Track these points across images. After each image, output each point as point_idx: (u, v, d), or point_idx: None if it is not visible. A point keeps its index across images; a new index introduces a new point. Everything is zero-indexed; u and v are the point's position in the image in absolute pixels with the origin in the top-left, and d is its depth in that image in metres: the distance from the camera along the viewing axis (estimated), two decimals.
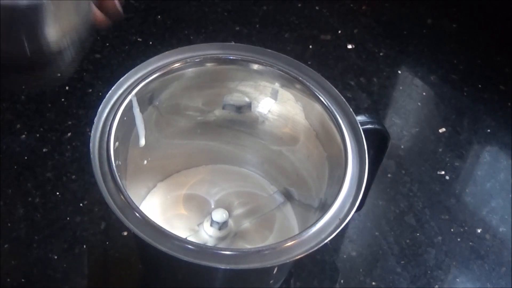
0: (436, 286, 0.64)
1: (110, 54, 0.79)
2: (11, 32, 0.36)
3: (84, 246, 0.62)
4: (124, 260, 0.62)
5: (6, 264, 0.60)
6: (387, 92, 0.80)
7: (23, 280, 0.59)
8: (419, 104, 0.80)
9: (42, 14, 0.36)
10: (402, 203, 0.70)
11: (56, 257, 0.61)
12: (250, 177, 0.64)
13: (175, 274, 0.55)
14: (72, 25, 0.39)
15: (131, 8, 0.84)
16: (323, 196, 0.55)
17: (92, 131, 0.49)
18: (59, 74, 0.44)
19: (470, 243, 0.67)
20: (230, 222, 0.59)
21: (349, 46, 0.84)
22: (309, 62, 0.81)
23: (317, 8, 0.88)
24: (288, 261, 0.46)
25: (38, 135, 0.69)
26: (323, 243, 0.46)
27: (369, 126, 0.54)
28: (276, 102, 0.58)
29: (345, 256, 0.65)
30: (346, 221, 0.47)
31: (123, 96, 0.51)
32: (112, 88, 0.51)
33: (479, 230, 0.68)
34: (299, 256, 0.45)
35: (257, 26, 0.85)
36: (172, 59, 0.54)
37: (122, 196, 0.46)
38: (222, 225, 0.57)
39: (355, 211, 0.48)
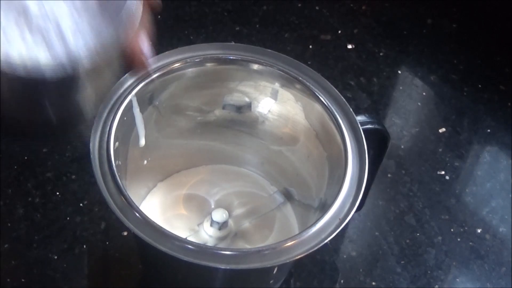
0: (436, 286, 0.64)
1: None
2: (35, 103, 0.35)
3: (84, 246, 0.62)
4: (124, 260, 0.62)
5: (6, 264, 0.60)
6: (387, 92, 0.80)
7: (23, 280, 0.59)
8: (419, 104, 0.80)
9: (72, 85, 0.35)
10: (402, 203, 0.70)
11: (56, 257, 0.61)
12: (250, 177, 0.64)
13: (175, 274, 0.55)
14: (103, 89, 0.38)
15: None
16: (323, 196, 0.55)
17: (92, 131, 0.49)
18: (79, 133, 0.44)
19: (470, 243, 0.67)
20: (230, 222, 0.59)
21: (349, 46, 0.84)
22: (309, 62, 0.81)
23: (317, 8, 0.88)
24: (288, 261, 0.46)
25: None
26: (323, 243, 0.46)
27: (369, 126, 0.54)
28: (276, 102, 0.58)
29: (345, 256, 0.65)
30: (346, 221, 0.47)
31: (123, 96, 0.51)
32: (112, 88, 0.51)
33: (479, 230, 0.68)
34: (299, 256, 0.45)
35: (257, 26, 0.85)
36: (172, 59, 0.54)
37: (122, 196, 0.46)
38: (222, 225, 0.57)
39: (355, 211, 0.48)
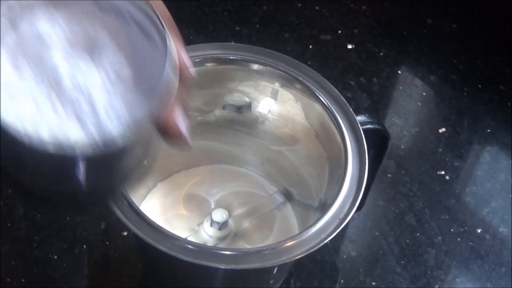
0: (436, 286, 0.64)
1: None
2: (65, 177, 0.33)
3: (84, 246, 0.62)
4: (124, 260, 0.62)
5: (6, 264, 0.60)
6: (387, 92, 0.80)
7: (23, 280, 0.59)
8: (419, 104, 0.80)
9: (104, 160, 0.33)
10: (402, 203, 0.70)
11: (56, 257, 0.61)
12: (250, 177, 0.64)
13: (175, 274, 0.55)
14: (136, 163, 0.36)
15: None
16: (323, 196, 0.55)
17: None
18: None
19: (470, 243, 0.67)
20: (230, 222, 0.59)
21: (349, 46, 0.84)
22: (309, 62, 0.81)
23: (317, 8, 0.88)
24: (288, 261, 0.46)
25: None
26: (323, 243, 0.46)
27: (369, 126, 0.54)
28: (276, 102, 0.58)
29: (345, 256, 0.65)
30: (346, 221, 0.47)
31: None
32: None
33: (479, 230, 0.68)
34: (299, 256, 0.45)
35: (257, 26, 0.85)
36: None
37: (122, 196, 0.46)
38: (222, 225, 0.57)
39: (355, 211, 0.48)
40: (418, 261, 0.65)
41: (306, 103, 0.56)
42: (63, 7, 0.35)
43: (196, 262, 0.44)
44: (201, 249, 0.45)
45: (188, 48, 0.55)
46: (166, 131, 0.34)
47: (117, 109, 0.33)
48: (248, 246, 0.58)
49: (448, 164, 0.74)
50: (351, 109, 0.53)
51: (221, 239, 0.58)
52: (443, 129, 0.77)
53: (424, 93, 0.81)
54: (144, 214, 0.46)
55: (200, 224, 0.59)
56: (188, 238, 0.55)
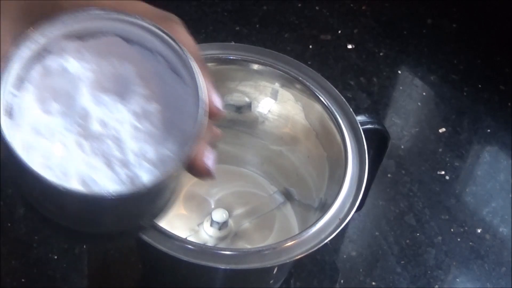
0: (436, 286, 0.64)
1: None
2: (92, 217, 0.33)
3: (84, 246, 0.62)
4: (124, 260, 0.62)
5: (6, 264, 0.60)
6: (387, 92, 0.80)
7: (23, 280, 0.59)
8: (419, 104, 0.80)
9: (133, 202, 0.32)
10: (402, 203, 0.70)
11: (56, 257, 0.61)
12: (250, 177, 0.64)
13: (175, 274, 0.55)
14: (164, 203, 0.35)
15: None
16: (323, 196, 0.55)
17: None
18: None
19: (470, 243, 0.67)
20: (230, 222, 0.59)
21: (349, 46, 0.84)
22: (309, 62, 0.81)
23: (317, 8, 0.88)
24: (288, 261, 0.46)
25: None
26: (323, 243, 0.46)
27: (369, 126, 0.54)
28: (276, 102, 0.58)
29: (345, 256, 0.65)
30: (346, 221, 0.47)
31: None
32: None
33: (479, 230, 0.68)
34: (299, 256, 0.46)
35: (257, 26, 0.85)
36: None
37: None
38: (222, 225, 0.57)
39: (355, 211, 0.48)
40: (418, 261, 0.65)
41: (306, 103, 0.56)
42: (90, 39, 0.34)
43: (196, 262, 0.44)
44: (201, 249, 0.45)
45: None
46: (193, 168, 0.33)
47: (148, 155, 0.32)
48: (248, 246, 0.58)
49: (448, 164, 0.74)
50: (351, 109, 0.53)
51: (221, 239, 0.58)
52: (443, 129, 0.77)
53: (424, 93, 0.81)
54: None
55: (200, 224, 0.59)
56: (188, 238, 0.55)
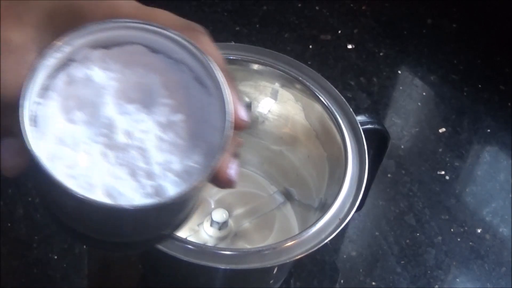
0: (436, 286, 0.64)
1: None
2: (114, 227, 0.32)
3: (84, 246, 0.62)
4: (124, 260, 0.62)
5: (6, 264, 0.60)
6: (387, 92, 0.80)
7: (23, 280, 0.59)
8: (419, 104, 0.80)
9: (156, 214, 0.31)
10: (402, 203, 0.70)
11: (56, 257, 0.61)
12: (250, 177, 0.64)
13: (175, 274, 0.55)
14: (186, 213, 0.35)
15: None
16: (323, 196, 0.55)
17: None
18: None
19: (470, 243, 0.67)
20: (230, 222, 0.59)
21: (349, 46, 0.84)
22: (309, 62, 0.81)
23: (317, 8, 0.88)
24: (288, 261, 0.46)
25: None
26: (323, 243, 0.46)
27: (369, 126, 0.54)
28: (276, 102, 0.58)
29: (345, 256, 0.65)
30: (346, 221, 0.47)
31: None
32: None
33: (479, 230, 0.68)
34: (299, 256, 0.45)
35: (257, 26, 0.85)
36: None
37: None
38: (222, 225, 0.57)
39: (355, 211, 0.48)
40: (418, 261, 0.65)
41: (306, 103, 0.56)
42: (114, 48, 0.34)
43: (196, 262, 0.44)
44: (201, 249, 0.45)
45: None
46: (217, 179, 0.33)
47: (173, 166, 0.32)
48: (248, 246, 0.58)
49: (448, 164, 0.74)
50: (351, 109, 0.53)
51: (221, 239, 0.58)
52: (443, 129, 0.77)
53: (424, 93, 0.81)
54: None
55: (200, 224, 0.59)
56: (188, 238, 0.55)
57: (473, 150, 0.76)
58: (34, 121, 0.31)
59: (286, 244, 0.46)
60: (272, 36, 0.84)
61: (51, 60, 0.31)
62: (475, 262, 0.66)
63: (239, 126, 0.33)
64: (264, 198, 0.62)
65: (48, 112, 0.32)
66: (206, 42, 0.34)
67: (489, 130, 0.78)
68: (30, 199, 0.64)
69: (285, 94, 0.57)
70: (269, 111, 0.59)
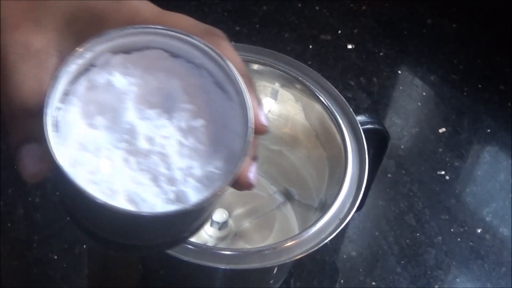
0: (436, 286, 0.64)
1: None
2: (134, 232, 0.32)
3: (84, 246, 0.62)
4: (124, 260, 0.62)
5: (6, 264, 0.60)
6: (387, 92, 0.80)
7: (23, 280, 0.59)
8: (419, 104, 0.80)
9: (176, 220, 0.32)
10: (402, 203, 0.70)
11: (56, 257, 0.61)
12: None
13: (175, 274, 0.55)
14: (206, 219, 0.35)
15: None
16: (323, 196, 0.55)
17: None
18: None
19: (470, 243, 0.67)
20: (230, 222, 0.59)
21: (349, 46, 0.84)
22: (309, 62, 0.81)
23: (317, 8, 0.88)
24: (288, 261, 0.46)
25: None
26: (323, 243, 0.46)
27: (369, 126, 0.54)
28: (276, 102, 0.58)
29: (345, 256, 0.65)
30: (346, 221, 0.47)
31: None
32: None
33: (479, 230, 0.68)
34: (299, 256, 0.46)
35: (257, 26, 0.85)
36: None
37: None
38: (222, 225, 0.57)
39: (355, 211, 0.48)
40: (418, 261, 0.65)
41: (306, 103, 0.56)
42: (135, 53, 0.33)
43: (196, 262, 0.44)
44: (201, 249, 0.45)
45: None
46: (236, 183, 0.33)
47: (194, 171, 0.32)
48: (248, 246, 0.58)
49: (448, 164, 0.74)
50: (351, 109, 0.53)
51: (221, 239, 0.58)
52: (443, 129, 0.77)
53: (424, 93, 0.81)
54: None
55: None
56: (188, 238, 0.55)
57: (473, 150, 0.76)
58: (56, 126, 0.31)
59: (286, 244, 0.46)
60: (272, 36, 0.84)
61: (73, 67, 0.31)
62: (475, 262, 0.66)
63: (259, 131, 0.33)
64: (264, 198, 0.62)
65: (69, 117, 0.32)
66: (226, 47, 0.34)
67: (489, 130, 0.78)
68: (30, 199, 0.64)
69: (285, 94, 0.57)
70: (269, 111, 0.59)
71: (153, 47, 0.34)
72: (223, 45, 0.34)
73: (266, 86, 0.57)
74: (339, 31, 0.86)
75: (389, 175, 0.72)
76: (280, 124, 0.59)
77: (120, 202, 0.30)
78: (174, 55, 0.34)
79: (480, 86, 0.82)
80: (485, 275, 0.65)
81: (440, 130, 0.77)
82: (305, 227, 0.48)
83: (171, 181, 0.31)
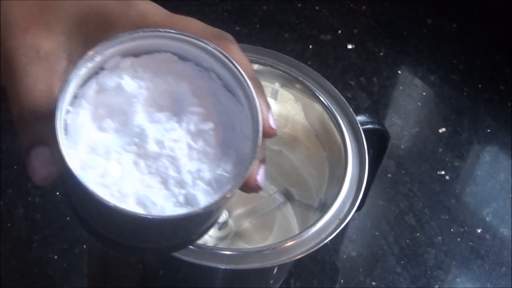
0: (436, 286, 0.64)
1: None
2: (142, 235, 0.32)
3: (84, 246, 0.62)
4: (124, 260, 0.62)
5: (6, 264, 0.60)
6: (387, 92, 0.80)
7: (23, 280, 0.59)
8: (419, 104, 0.80)
9: (185, 223, 0.32)
10: (402, 203, 0.70)
11: (56, 257, 0.61)
12: None
13: (175, 274, 0.55)
14: (214, 221, 0.35)
15: None
16: (323, 196, 0.55)
17: None
18: None
19: (470, 243, 0.67)
20: (230, 222, 0.59)
21: (349, 46, 0.84)
22: (309, 62, 0.81)
23: (317, 8, 0.88)
24: (288, 261, 0.46)
25: None
26: (323, 243, 0.46)
27: (369, 126, 0.54)
28: (276, 102, 0.58)
29: (345, 256, 0.65)
30: (346, 221, 0.47)
31: None
32: None
33: (479, 230, 0.68)
34: (299, 256, 0.45)
35: (257, 26, 0.85)
36: None
37: None
38: (222, 225, 0.57)
39: (355, 211, 0.48)
40: (418, 261, 0.65)
41: (306, 103, 0.56)
42: (144, 56, 0.34)
43: (196, 262, 0.44)
44: (201, 249, 0.45)
45: None
46: (245, 186, 0.33)
47: (203, 174, 0.32)
48: (248, 246, 0.58)
49: (448, 164, 0.74)
50: (351, 109, 0.53)
51: (221, 239, 0.58)
52: (443, 129, 0.77)
53: (424, 93, 0.81)
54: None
55: None
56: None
57: (473, 150, 0.76)
58: (65, 129, 0.31)
59: (286, 244, 0.46)
60: (272, 36, 0.84)
61: (83, 70, 0.31)
62: (475, 262, 0.66)
63: (267, 135, 0.33)
64: (264, 198, 0.62)
65: (79, 121, 0.32)
66: (235, 50, 0.34)
67: (489, 130, 0.78)
68: (30, 199, 0.64)
69: (285, 94, 0.57)
70: None
71: (163, 50, 0.34)
72: (232, 49, 0.34)
73: (266, 86, 0.57)
74: (339, 31, 0.86)
75: (389, 175, 0.72)
76: (280, 124, 0.59)
77: (130, 205, 0.30)
78: (183, 58, 0.34)
79: (480, 86, 0.82)
80: (485, 275, 0.65)
81: (440, 130, 0.77)
82: (305, 227, 0.48)
83: (181, 184, 0.31)
